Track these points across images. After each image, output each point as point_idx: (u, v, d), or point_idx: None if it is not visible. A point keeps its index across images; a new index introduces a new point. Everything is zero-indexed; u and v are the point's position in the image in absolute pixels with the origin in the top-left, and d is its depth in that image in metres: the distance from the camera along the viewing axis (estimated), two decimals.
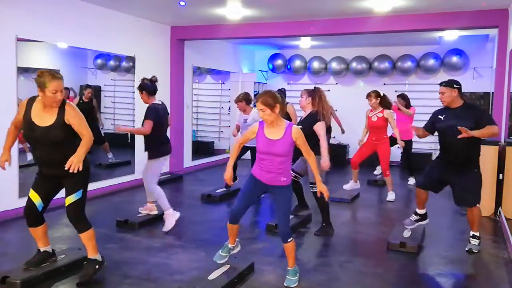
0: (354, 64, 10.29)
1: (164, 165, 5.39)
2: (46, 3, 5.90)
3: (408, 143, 7.53)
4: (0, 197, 5.34)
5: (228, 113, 10.51)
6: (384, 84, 10.15)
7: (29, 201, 3.56)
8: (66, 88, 7.91)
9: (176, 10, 6.84)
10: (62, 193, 5.67)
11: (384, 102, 6.69)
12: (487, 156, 5.77)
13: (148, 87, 5.10)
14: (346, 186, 7.18)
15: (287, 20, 7.49)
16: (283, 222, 3.55)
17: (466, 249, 4.49)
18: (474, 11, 6.43)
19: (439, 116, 4.43)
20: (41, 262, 3.71)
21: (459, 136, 4.05)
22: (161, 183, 7.75)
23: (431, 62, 9.64)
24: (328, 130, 5.57)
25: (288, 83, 11.26)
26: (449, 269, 4.13)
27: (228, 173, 3.71)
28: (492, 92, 7.66)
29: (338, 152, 10.28)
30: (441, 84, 4.40)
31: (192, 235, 5.01)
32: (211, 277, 3.59)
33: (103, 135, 7.88)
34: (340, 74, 10.58)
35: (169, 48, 8.39)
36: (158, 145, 5.12)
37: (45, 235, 3.74)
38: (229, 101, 10.80)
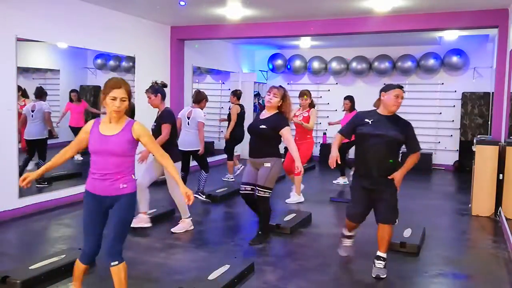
0: (354, 64, 10.29)
1: None
2: (46, 3, 5.89)
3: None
4: (0, 197, 5.33)
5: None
6: (384, 84, 10.11)
7: None
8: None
9: (176, 10, 6.84)
10: (62, 193, 5.67)
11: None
12: (487, 156, 5.78)
13: (163, 92, 5.16)
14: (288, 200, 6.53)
15: (287, 20, 7.49)
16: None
17: (373, 275, 3.81)
18: (474, 11, 6.43)
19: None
20: None
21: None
22: (160, 183, 7.80)
23: (431, 62, 9.64)
24: None
25: (288, 83, 11.25)
26: (449, 269, 4.13)
27: None
28: (492, 92, 7.65)
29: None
30: (402, 88, 3.97)
31: (192, 235, 5.01)
32: (211, 277, 3.59)
33: None
34: (340, 74, 10.58)
35: (169, 48, 8.38)
36: (176, 148, 5.22)
37: None
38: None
